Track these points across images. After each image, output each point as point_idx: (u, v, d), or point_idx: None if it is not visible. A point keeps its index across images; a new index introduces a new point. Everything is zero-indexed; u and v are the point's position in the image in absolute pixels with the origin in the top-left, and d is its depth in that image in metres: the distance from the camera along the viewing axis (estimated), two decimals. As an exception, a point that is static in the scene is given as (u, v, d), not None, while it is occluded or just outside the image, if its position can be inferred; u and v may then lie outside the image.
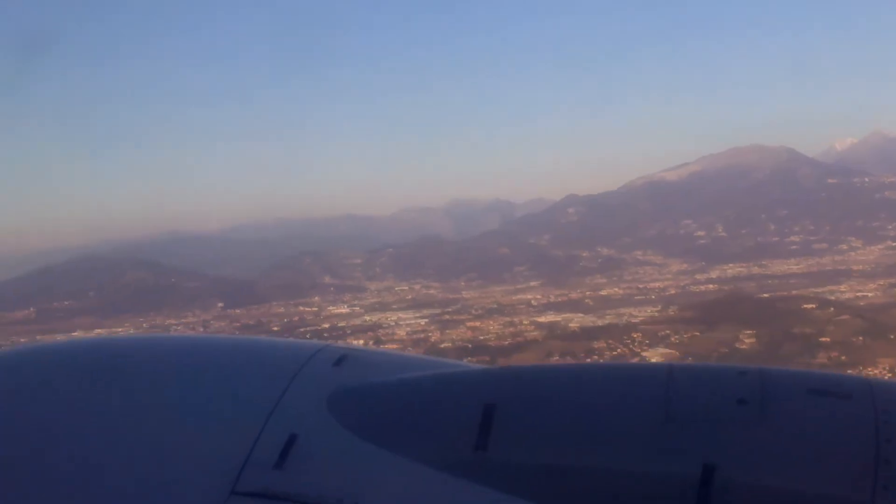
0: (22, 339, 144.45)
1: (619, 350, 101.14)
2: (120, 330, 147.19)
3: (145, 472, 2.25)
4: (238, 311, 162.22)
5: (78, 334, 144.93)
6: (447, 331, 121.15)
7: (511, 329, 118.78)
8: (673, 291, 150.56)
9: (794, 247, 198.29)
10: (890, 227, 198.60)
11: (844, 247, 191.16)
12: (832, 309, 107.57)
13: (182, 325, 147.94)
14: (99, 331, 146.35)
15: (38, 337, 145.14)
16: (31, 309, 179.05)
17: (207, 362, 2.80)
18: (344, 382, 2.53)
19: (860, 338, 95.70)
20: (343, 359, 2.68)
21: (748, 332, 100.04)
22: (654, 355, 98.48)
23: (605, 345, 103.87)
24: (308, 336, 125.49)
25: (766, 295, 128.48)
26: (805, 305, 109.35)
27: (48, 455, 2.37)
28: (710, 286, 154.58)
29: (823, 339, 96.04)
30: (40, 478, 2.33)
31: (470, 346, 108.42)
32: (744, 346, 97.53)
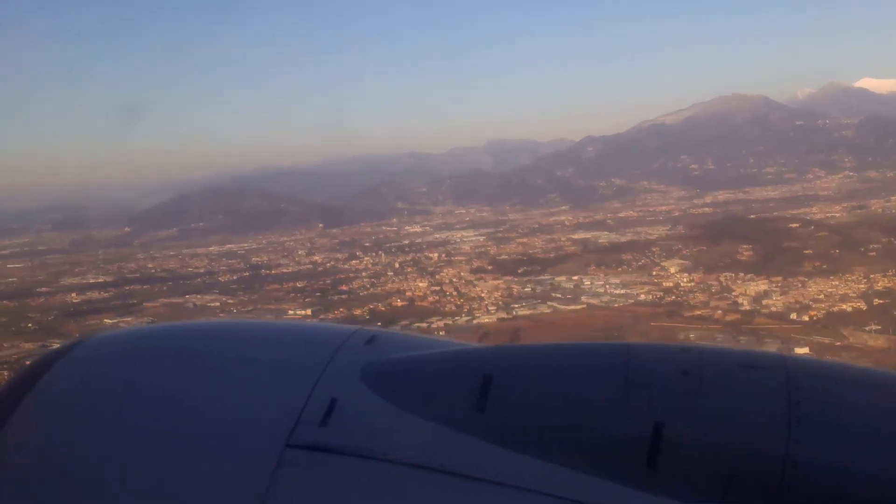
0: (171, 253, 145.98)
1: (643, 261, 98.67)
2: (245, 244, 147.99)
3: (220, 427, 2.30)
4: (335, 230, 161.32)
5: (214, 248, 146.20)
6: (502, 245, 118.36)
7: (553, 245, 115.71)
8: (676, 213, 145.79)
9: (769, 177, 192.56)
10: (847, 160, 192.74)
11: (810, 176, 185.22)
12: (812, 227, 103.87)
13: (293, 241, 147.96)
14: (230, 246, 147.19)
15: (184, 250, 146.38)
16: (174, 229, 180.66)
17: (269, 342, 2.82)
18: (373, 357, 2.56)
19: (837, 250, 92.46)
20: (373, 339, 2.70)
21: (746, 246, 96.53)
22: (672, 265, 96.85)
23: (631, 257, 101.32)
24: (393, 250, 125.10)
25: (754, 216, 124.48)
26: (791, 224, 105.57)
27: (145, 417, 2.41)
28: (706, 209, 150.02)
29: (807, 251, 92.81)
30: (136, 428, 2.36)
31: (524, 258, 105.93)
32: (743, 258, 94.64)
